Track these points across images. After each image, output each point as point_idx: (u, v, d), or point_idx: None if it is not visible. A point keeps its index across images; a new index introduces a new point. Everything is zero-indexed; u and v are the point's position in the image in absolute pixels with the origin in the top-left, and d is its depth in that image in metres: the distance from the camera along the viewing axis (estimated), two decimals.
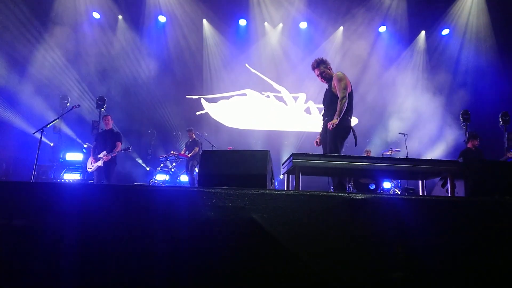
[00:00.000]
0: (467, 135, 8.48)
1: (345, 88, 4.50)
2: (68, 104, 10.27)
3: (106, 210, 2.57)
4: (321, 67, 4.82)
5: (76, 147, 10.21)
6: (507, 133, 9.73)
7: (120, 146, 7.66)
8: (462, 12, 11.89)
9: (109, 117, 7.82)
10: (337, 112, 4.44)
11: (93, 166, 7.46)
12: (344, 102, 4.44)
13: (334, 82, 4.64)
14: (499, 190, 3.36)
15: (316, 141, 4.84)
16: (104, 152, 7.43)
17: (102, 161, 7.38)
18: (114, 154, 7.53)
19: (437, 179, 4.19)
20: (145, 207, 2.58)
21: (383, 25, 12.36)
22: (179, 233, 2.49)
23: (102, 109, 9.84)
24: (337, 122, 4.36)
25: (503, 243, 2.53)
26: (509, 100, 11.35)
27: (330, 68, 4.84)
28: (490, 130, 10.41)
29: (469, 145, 8.11)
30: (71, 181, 9.19)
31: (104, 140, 7.66)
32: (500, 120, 9.91)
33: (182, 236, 2.48)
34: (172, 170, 10.23)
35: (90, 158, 7.61)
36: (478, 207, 2.67)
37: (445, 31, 12.32)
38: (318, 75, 4.86)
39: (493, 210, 2.66)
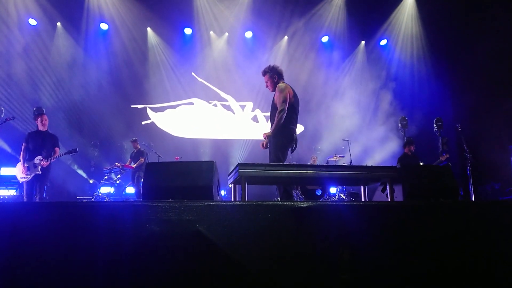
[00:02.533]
0: (404, 141, 8.96)
1: (284, 101, 4.56)
2: (2, 115, 9.65)
3: (45, 230, 2.44)
4: (268, 74, 4.90)
5: (11, 162, 9.56)
6: (441, 137, 10.37)
7: (58, 152, 6.78)
8: (397, 24, 12.57)
9: (46, 116, 6.84)
10: (273, 125, 4.56)
11: (29, 175, 6.39)
12: (282, 115, 4.52)
13: (276, 93, 4.73)
14: (434, 193, 3.57)
15: (262, 144, 4.84)
16: (39, 157, 6.45)
17: (40, 167, 6.41)
18: (53, 159, 6.63)
19: (378, 184, 4.38)
20: (87, 224, 2.48)
21: (325, 35, 12.77)
22: (123, 249, 2.42)
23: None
24: (271, 134, 4.50)
25: (438, 243, 2.70)
26: (442, 106, 12.14)
27: (275, 77, 4.89)
28: (427, 135, 11.06)
29: (405, 150, 8.59)
30: (6, 197, 8.60)
31: (39, 142, 6.61)
32: (435, 125, 10.54)
33: (126, 252, 2.41)
34: (117, 182, 9.91)
35: (19, 164, 6.51)
36: (415, 210, 2.83)
37: (383, 42, 12.97)
38: (266, 82, 4.95)
39: (428, 212, 2.82)
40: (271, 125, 4.79)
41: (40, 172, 6.46)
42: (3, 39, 10.66)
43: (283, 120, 4.53)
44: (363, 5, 11.86)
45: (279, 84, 4.75)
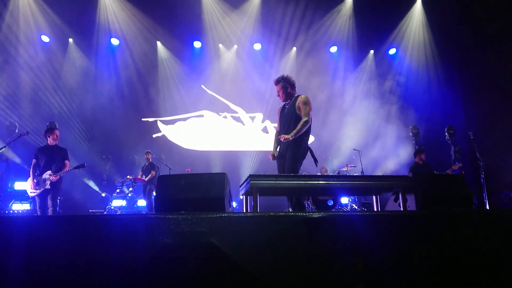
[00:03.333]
0: (415, 150, 8.89)
1: (309, 112, 4.67)
2: (16, 131, 9.83)
3: (60, 243, 2.47)
4: (281, 84, 4.96)
5: (26, 176, 9.66)
6: (453, 145, 10.28)
7: (68, 165, 6.80)
8: (406, 32, 12.53)
9: (57, 131, 6.91)
10: (295, 131, 4.57)
11: (38, 190, 6.47)
12: (306, 126, 4.61)
13: (300, 104, 4.74)
14: (447, 201, 3.53)
15: (272, 155, 4.91)
16: (49, 172, 6.52)
17: (50, 182, 6.47)
18: (63, 174, 6.64)
19: (390, 193, 4.35)
20: (100, 237, 2.50)
21: (334, 46, 12.81)
22: (136, 262, 2.43)
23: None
24: (290, 138, 4.48)
25: (453, 252, 2.66)
26: (454, 114, 12.03)
27: (290, 87, 4.96)
28: (438, 144, 10.96)
29: (416, 159, 8.52)
30: (20, 211, 8.70)
31: (48, 157, 6.68)
32: (446, 134, 10.46)
33: (140, 264, 2.42)
34: (129, 195, 9.97)
35: (29, 179, 6.57)
36: (428, 219, 2.80)
37: (392, 51, 12.95)
38: (278, 91, 5.00)
39: (442, 221, 2.79)
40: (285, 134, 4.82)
41: (49, 187, 6.52)
42: (17, 56, 10.89)
43: (302, 132, 4.60)
44: (371, 15, 11.87)
45: (302, 96, 4.81)
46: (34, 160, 6.76)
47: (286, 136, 4.50)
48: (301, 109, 4.71)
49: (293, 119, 4.75)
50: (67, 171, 6.77)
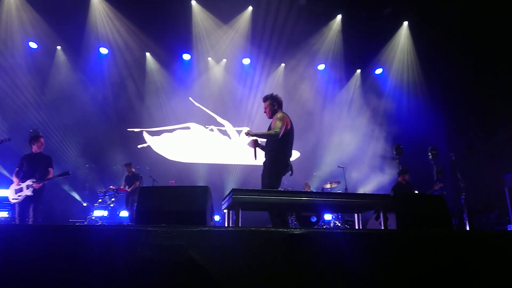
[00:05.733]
0: (399, 169, 8.98)
1: (280, 128, 4.68)
2: None
3: (38, 253, 2.42)
4: (269, 101, 5.06)
5: (6, 183, 9.49)
6: (436, 166, 10.41)
7: (52, 172, 6.75)
8: (393, 53, 12.76)
9: (42, 139, 6.89)
10: (261, 135, 4.75)
11: (19, 196, 6.39)
12: (271, 135, 4.67)
13: (273, 119, 4.84)
14: (427, 222, 3.57)
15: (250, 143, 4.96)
16: (32, 179, 6.45)
17: (32, 190, 6.38)
18: (46, 181, 6.59)
19: (372, 212, 4.39)
20: (80, 247, 2.46)
21: (322, 63, 12.98)
22: (115, 274, 2.39)
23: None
24: (251, 134, 4.63)
25: (432, 272, 2.68)
26: (436, 135, 12.24)
27: (277, 105, 5.05)
28: (421, 164, 11.10)
29: (400, 179, 8.61)
30: None
31: (32, 165, 6.62)
32: (429, 154, 10.60)
33: (118, 276, 2.39)
34: (111, 205, 9.82)
35: (12, 186, 6.51)
36: (408, 239, 2.83)
37: (379, 70, 13.19)
38: (265, 108, 5.10)
39: (420, 241, 2.82)
40: (266, 153, 4.85)
41: (32, 194, 6.42)
42: (3, 61, 10.76)
43: (274, 149, 4.71)
44: (359, 34, 12.07)
45: (278, 113, 4.88)
46: (17, 169, 6.70)
47: (249, 131, 4.66)
48: (274, 123, 4.80)
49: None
50: (50, 179, 6.68)
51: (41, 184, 6.50)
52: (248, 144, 4.92)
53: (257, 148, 4.92)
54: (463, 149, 11.03)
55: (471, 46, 10.83)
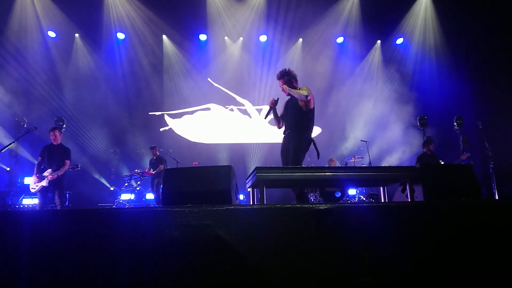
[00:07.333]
0: (424, 140, 8.81)
1: (310, 95, 4.64)
2: (25, 126, 9.92)
3: (68, 237, 2.49)
4: (285, 78, 4.89)
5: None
6: (462, 136, 10.17)
7: (68, 164, 6.94)
8: (414, 21, 12.36)
9: (57, 131, 7.08)
10: (293, 90, 4.69)
11: (36, 186, 6.65)
12: (303, 97, 4.61)
13: (298, 92, 4.70)
14: (455, 192, 3.50)
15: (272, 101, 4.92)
16: (49, 170, 6.69)
17: (47, 180, 6.62)
18: (61, 173, 6.79)
19: (397, 184, 4.33)
20: (109, 230, 2.52)
21: (340, 36, 12.69)
22: (144, 255, 2.44)
23: (62, 130, 9.52)
24: (288, 89, 4.68)
25: (461, 243, 2.64)
26: (462, 104, 11.90)
27: (293, 81, 4.91)
28: (447, 134, 10.86)
29: (424, 149, 8.44)
30: (30, 206, 8.81)
31: (50, 156, 6.87)
32: (455, 123, 10.36)
33: (148, 257, 2.44)
34: (137, 188, 10.04)
35: (33, 176, 6.76)
36: (436, 210, 2.77)
37: (399, 40, 12.80)
38: (281, 86, 4.89)
39: (449, 212, 2.76)
40: (286, 130, 4.80)
41: (47, 185, 6.66)
42: (24, 52, 10.95)
43: (300, 124, 4.67)
44: (378, 4, 11.72)
45: (303, 87, 4.80)
46: (39, 158, 6.96)
47: (284, 86, 4.69)
48: (301, 92, 4.70)
49: (297, 114, 4.72)
50: (63, 172, 6.87)
51: (55, 176, 6.71)
52: (269, 103, 4.86)
53: (271, 112, 4.91)
54: (490, 117, 10.67)
55: (497, 4, 10.33)
